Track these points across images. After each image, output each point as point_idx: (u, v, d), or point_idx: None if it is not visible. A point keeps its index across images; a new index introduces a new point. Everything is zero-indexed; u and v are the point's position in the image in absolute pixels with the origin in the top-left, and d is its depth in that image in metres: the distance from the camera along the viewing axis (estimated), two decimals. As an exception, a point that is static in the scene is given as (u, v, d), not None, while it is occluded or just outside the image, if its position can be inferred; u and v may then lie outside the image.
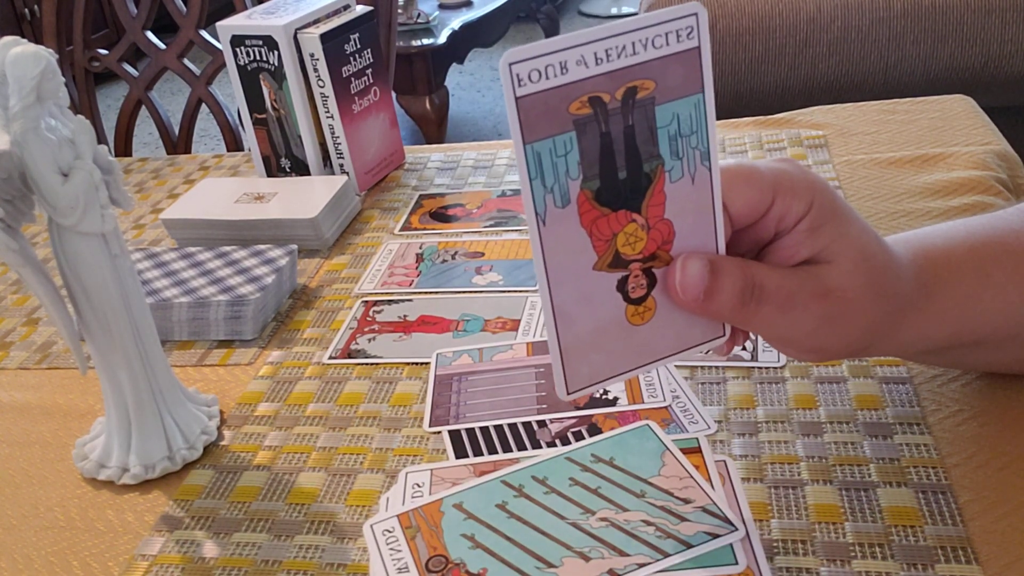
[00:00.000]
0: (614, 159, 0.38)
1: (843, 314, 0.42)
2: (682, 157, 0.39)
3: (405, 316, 0.67)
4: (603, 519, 0.46)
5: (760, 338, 0.58)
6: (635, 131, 0.38)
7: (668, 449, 0.50)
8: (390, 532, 0.47)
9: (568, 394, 0.41)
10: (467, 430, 0.55)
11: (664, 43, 0.37)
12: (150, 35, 1.23)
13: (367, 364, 0.62)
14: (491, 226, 0.78)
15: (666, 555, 0.44)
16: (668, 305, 0.42)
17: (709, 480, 0.48)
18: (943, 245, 0.47)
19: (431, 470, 0.52)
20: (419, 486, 0.50)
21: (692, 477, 0.48)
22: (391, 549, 0.46)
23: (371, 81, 0.88)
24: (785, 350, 0.46)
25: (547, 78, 0.35)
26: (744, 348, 0.58)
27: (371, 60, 0.88)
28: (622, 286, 0.40)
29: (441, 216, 0.82)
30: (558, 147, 0.37)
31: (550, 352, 0.40)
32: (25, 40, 0.48)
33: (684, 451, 0.50)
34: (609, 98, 0.37)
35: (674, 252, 0.41)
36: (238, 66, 0.86)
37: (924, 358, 0.52)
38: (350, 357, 0.63)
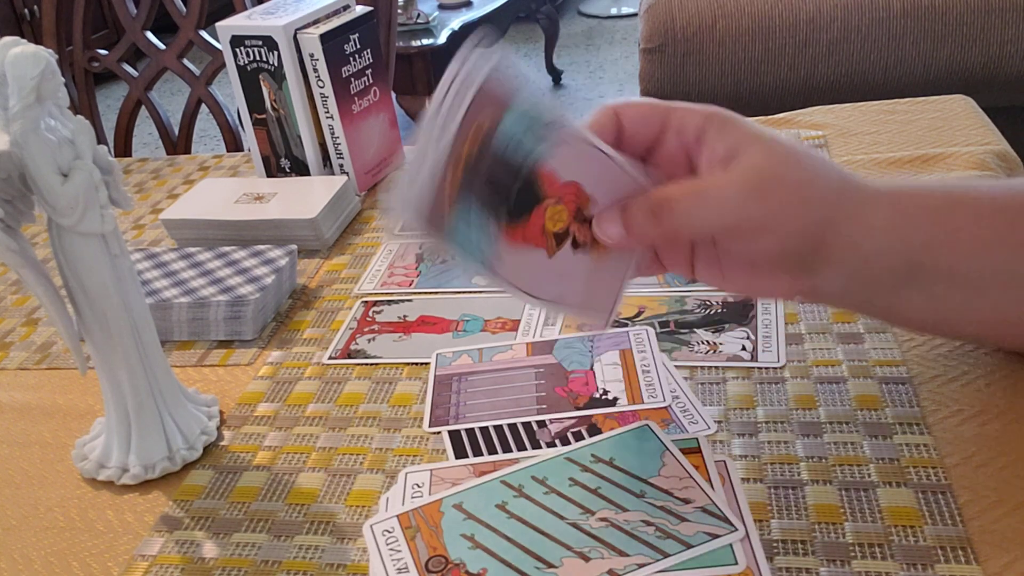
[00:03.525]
0: (503, 186, 0.42)
1: (765, 184, 0.44)
2: (544, 139, 0.43)
3: (405, 316, 0.67)
4: (603, 519, 0.46)
5: (759, 338, 0.58)
6: (501, 156, 0.42)
7: (668, 449, 0.50)
8: (390, 532, 0.47)
9: (606, 326, 0.51)
10: (467, 430, 0.55)
11: (465, 95, 0.40)
12: (150, 35, 1.23)
13: (367, 364, 0.62)
14: (491, 226, 0.78)
15: (666, 555, 0.44)
16: None
17: (709, 480, 0.48)
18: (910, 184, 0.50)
19: (431, 470, 0.52)
20: (419, 486, 0.50)
21: (692, 477, 0.48)
22: (391, 549, 0.46)
23: (371, 81, 0.88)
24: (733, 279, 0.49)
25: (420, 198, 0.40)
26: (744, 348, 0.58)
27: (371, 60, 0.88)
28: (575, 245, 0.46)
29: (441, 216, 0.82)
30: (461, 222, 0.42)
31: (575, 320, 0.48)
32: (25, 40, 0.48)
33: (684, 451, 0.50)
34: (468, 156, 0.41)
35: (590, 191, 0.46)
36: (238, 66, 0.86)
37: (897, 302, 0.47)
38: (350, 357, 0.63)
